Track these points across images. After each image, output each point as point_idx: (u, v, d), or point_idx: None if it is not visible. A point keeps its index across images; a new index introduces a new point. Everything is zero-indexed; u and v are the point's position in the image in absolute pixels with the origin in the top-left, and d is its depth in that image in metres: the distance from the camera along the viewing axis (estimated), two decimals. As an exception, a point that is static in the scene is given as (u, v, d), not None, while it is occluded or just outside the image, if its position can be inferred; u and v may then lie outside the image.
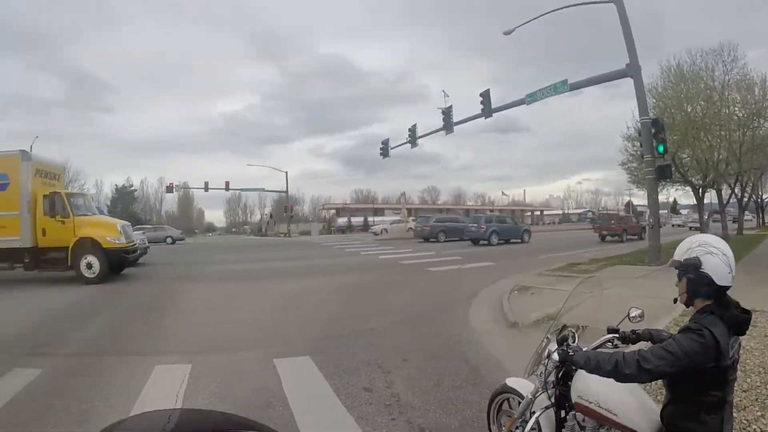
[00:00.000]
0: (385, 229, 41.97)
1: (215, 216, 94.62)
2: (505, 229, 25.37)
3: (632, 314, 2.14)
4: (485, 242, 23.85)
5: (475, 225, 24.88)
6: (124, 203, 69.38)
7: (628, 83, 13.93)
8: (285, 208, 51.07)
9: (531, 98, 16.86)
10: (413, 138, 24.70)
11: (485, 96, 19.27)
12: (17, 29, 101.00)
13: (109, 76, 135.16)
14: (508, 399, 2.65)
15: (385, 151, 26.90)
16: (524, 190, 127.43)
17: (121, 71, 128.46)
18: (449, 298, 8.84)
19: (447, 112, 21.86)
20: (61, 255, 12.61)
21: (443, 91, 22.86)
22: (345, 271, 14.23)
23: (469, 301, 8.20)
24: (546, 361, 2.10)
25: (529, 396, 2.27)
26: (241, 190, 57.61)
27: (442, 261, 15.96)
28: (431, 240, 27.61)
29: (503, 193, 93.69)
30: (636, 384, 1.87)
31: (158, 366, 5.04)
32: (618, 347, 2.05)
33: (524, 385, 2.45)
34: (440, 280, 11.69)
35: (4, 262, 12.64)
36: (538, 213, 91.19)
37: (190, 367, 4.93)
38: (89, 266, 12.48)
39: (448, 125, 21.89)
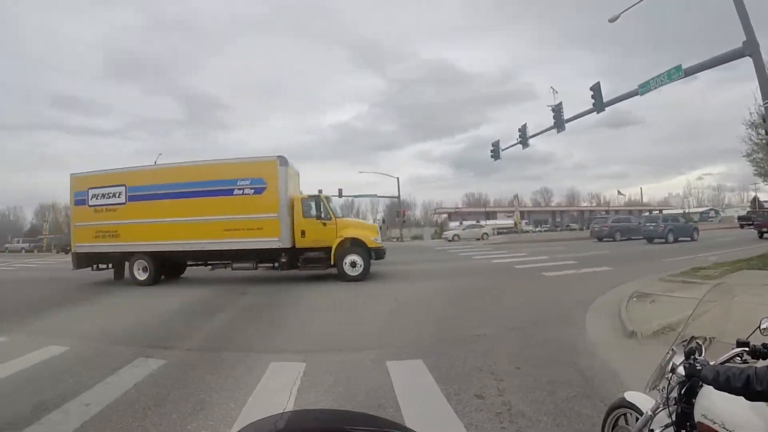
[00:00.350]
0: (457, 235, 41.31)
1: None
2: (678, 228, 27.20)
3: (764, 326, 1.87)
4: (661, 240, 25.50)
5: (653, 224, 27.15)
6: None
7: (747, 64, 12.00)
8: (397, 213, 51.36)
9: (644, 88, 15.65)
10: (524, 138, 24.05)
11: (596, 89, 18.31)
12: (135, 59, 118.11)
13: (223, 96, 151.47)
14: (625, 414, 2.47)
15: (495, 153, 26.31)
16: (641, 189, 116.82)
17: (233, 90, 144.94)
18: (564, 304, 8.38)
19: (557, 109, 20.91)
20: (321, 255, 13.27)
21: (551, 87, 22.79)
22: (457, 275, 13.97)
23: (585, 308, 7.77)
24: (670, 375, 1.94)
25: (649, 412, 2.05)
26: (354, 196, 59.20)
27: (558, 266, 15.15)
28: (606, 239, 29.50)
29: (619, 193, 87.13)
30: (765, 404, 1.60)
31: (273, 363, 5.19)
32: (747, 362, 1.83)
33: (644, 401, 2.28)
34: (555, 286, 11.09)
35: (263, 262, 13.79)
36: (657, 212, 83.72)
37: (305, 366, 5.02)
38: (353, 265, 13.14)
39: (559, 123, 20.94)
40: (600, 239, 30.06)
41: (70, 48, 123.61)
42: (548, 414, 3.58)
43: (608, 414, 2.57)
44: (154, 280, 13.71)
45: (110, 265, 14.65)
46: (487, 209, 70.86)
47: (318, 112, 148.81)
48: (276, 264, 13.53)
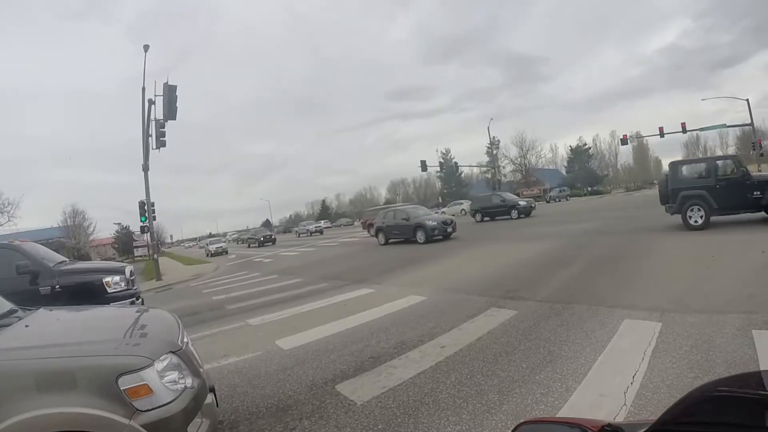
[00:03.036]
0: None
1: None
2: None
3: None
4: None
5: None
6: (580, 162, 72.78)
7: None
8: (753, 144, 39.26)
9: None
10: None
11: None
12: (447, 39, 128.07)
13: (536, 50, 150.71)
14: None
15: None
16: None
17: (545, 42, 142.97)
18: None
19: None
20: None
21: None
22: None
23: None
24: None
25: None
26: (699, 130, 49.42)
27: None
28: None
29: None
30: None
31: (627, 320, 4.88)
32: None
33: None
34: None
35: None
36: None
37: (660, 326, 4.53)
38: None
39: None
40: None
41: (390, 48, 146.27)
42: None
43: None
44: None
45: None
46: None
47: (639, 41, 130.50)
48: None
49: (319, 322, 6.69)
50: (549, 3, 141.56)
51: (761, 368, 3.36)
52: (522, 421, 1.03)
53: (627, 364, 3.62)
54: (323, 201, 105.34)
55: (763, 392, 0.75)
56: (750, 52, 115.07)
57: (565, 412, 3.01)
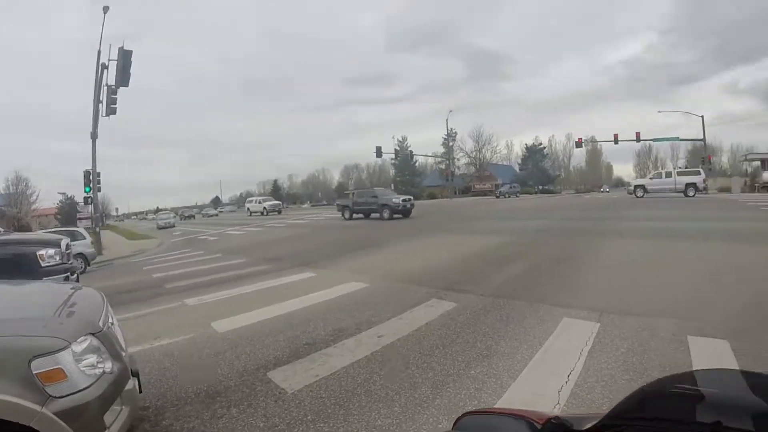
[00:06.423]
0: None
1: (624, 170, 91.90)
2: None
3: None
4: None
5: None
6: (534, 161, 75.24)
7: None
8: (702, 159, 44.24)
9: None
10: None
11: None
12: (418, 28, 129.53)
13: (503, 49, 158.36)
14: None
15: None
16: None
17: (513, 41, 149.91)
18: None
19: None
20: None
21: None
22: None
23: None
24: None
25: None
26: (652, 140, 53.19)
27: None
28: None
29: None
30: None
31: (566, 318, 5.04)
32: None
33: None
34: None
35: None
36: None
37: (599, 326, 4.71)
38: None
39: None
40: None
41: (354, 32, 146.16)
42: None
43: None
44: None
45: None
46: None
47: (605, 50, 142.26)
48: None
49: (258, 305, 6.62)
50: (523, 5, 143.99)
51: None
52: (465, 411, 1.03)
53: (563, 363, 3.70)
54: (275, 181, 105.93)
55: (713, 390, 0.77)
56: (710, 72, 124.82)
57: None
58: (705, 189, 31.79)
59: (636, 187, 34.34)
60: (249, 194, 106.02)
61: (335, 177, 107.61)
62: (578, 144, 54.19)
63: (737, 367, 2.83)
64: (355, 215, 26.26)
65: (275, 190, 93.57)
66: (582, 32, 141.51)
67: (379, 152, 51.50)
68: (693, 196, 29.58)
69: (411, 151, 69.81)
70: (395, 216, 23.44)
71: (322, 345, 4.62)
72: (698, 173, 32.05)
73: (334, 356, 4.28)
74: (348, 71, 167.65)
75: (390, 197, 24.92)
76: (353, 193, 28.85)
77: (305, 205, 74.58)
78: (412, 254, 11.06)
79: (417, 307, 5.83)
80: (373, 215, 24.78)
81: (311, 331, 5.12)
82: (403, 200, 24.48)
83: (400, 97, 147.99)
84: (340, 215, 27.45)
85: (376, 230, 18.50)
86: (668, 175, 33.34)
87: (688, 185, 30.46)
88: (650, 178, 34.69)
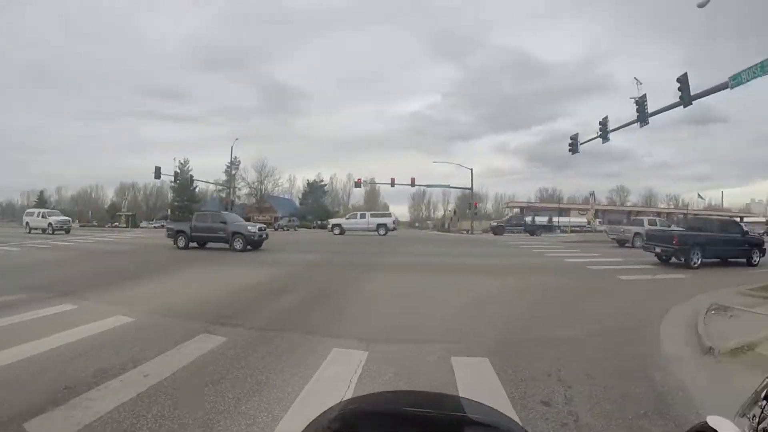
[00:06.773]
0: None
1: (400, 211, 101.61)
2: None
3: None
4: None
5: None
6: (315, 196, 78.18)
7: None
8: (469, 205, 53.16)
9: (736, 81, 15.40)
10: (604, 132, 24.76)
11: (683, 81, 18.37)
12: (220, 50, 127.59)
13: (302, 85, 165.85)
14: None
15: (574, 147, 27.07)
16: (722, 192, 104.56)
17: (313, 79, 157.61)
18: (638, 311, 8.30)
19: (641, 102, 21.28)
20: None
21: (635, 78, 22.52)
22: (529, 272, 13.93)
23: (660, 318, 7.60)
24: (764, 403, 1.59)
25: None
26: (427, 186, 61.08)
27: (632, 269, 14.68)
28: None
29: (699, 196, 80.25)
30: None
31: (336, 349, 5.27)
32: None
33: (729, 428, 1.94)
34: (629, 291, 10.83)
35: None
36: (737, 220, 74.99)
37: (367, 354, 5.06)
38: None
39: (643, 116, 21.35)
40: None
41: (159, 43, 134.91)
42: (617, 430, 3.46)
43: None
44: None
45: None
46: (561, 206, 71.46)
47: (394, 102, 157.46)
48: None
49: (7, 344, 5.26)
50: (329, 48, 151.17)
51: (459, 388, 4.11)
52: None
53: (333, 392, 3.85)
54: (41, 192, 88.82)
55: (396, 408, 0.91)
56: (480, 134, 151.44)
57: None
58: (395, 228, 39.16)
59: (333, 225, 40.30)
60: (10, 205, 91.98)
61: (109, 195, 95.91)
62: (357, 184, 58.78)
63: (497, 380, 3.46)
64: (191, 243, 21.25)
65: (40, 203, 77.30)
66: (376, 84, 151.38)
67: (158, 173, 47.20)
68: (384, 234, 36.20)
69: (191, 176, 65.88)
70: (248, 248, 19.82)
71: (84, 388, 3.94)
72: (389, 215, 40.38)
73: (96, 400, 3.71)
74: (134, 79, 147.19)
75: (244, 225, 21.61)
76: (194, 216, 23.35)
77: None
78: (183, 285, 10.34)
79: (185, 343, 5.40)
80: (211, 244, 20.94)
81: (71, 373, 4.35)
82: (259, 229, 21.34)
83: (190, 117, 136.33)
84: (172, 242, 21.55)
85: (148, 258, 16.74)
86: (362, 216, 40.17)
87: (379, 225, 37.58)
88: (347, 218, 41.32)
